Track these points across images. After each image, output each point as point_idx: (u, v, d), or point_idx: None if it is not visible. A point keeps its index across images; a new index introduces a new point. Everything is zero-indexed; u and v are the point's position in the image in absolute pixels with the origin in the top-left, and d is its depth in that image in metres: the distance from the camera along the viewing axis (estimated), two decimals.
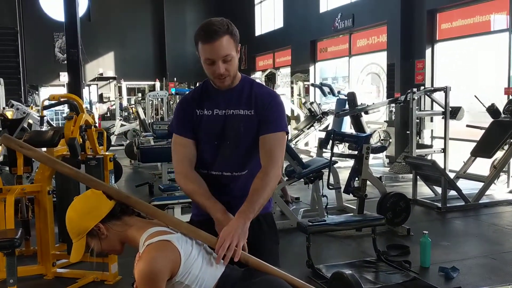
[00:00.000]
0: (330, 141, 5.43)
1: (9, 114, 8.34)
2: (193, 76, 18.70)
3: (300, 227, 3.99)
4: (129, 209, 1.81)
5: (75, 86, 7.49)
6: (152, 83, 18.71)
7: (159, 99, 13.68)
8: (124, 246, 1.80)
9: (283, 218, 5.38)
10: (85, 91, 19.41)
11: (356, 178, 5.19)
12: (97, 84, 19.67)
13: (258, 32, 17.96)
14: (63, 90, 18.78)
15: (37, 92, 18.96)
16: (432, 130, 9.41)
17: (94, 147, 3.83)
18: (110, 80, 19.61)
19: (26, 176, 4.84)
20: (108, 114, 18.76)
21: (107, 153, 3.93)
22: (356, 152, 5.24)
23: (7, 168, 5.21)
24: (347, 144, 6.30)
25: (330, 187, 5.14)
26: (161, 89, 16.83)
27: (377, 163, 9.87)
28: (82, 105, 4.42)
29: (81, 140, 3.73)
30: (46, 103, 4.23)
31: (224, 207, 1.91)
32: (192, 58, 20.05)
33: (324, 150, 6.03)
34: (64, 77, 18.91)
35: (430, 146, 8.70)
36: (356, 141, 5.23)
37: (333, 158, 5.29)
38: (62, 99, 3.93)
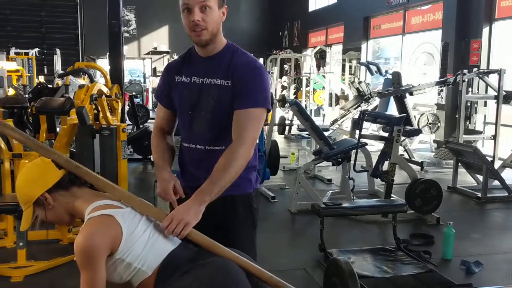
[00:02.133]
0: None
1: (60, 83, 8.64)
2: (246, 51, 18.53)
3: (314, 209, 3.82)
4: (79, 180, 1.74)
5: (115, 57, 7.57)
6: None
7: None
8: (75, 218, 1.74)
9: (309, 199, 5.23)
10: (139, 64, 19.86)
11: (386, 162, 4.93)
12: (151, 58, 20.01)
13: (311, 7, 17.51)
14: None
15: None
16: (485, 115, 8.83)
17: (105, 117, 3.83)
18: (164, 54, 19.87)
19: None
20: None
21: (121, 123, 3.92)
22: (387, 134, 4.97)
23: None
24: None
25: (357, 170, 4.91)
26: None
27: (424, 148, 9.44)
28: (106, 75, 4.43)
29: (94, 109, 3.73)
30: (60, 72, 4.27)
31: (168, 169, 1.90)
32: (245, 34, 19.97)
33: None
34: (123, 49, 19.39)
35: (479, 132, 8.17)
36: (388, 123, 4.95)
37: (363, 140, 5.05)
38: (75, 69, 3.95)
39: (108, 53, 8.09)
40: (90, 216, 1.59)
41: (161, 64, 19.94)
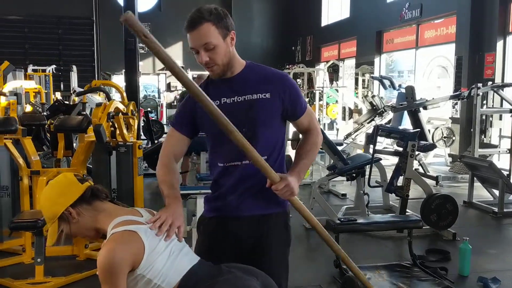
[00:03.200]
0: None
1: (77, 99, 8.78)
2: None
3: (329, 225, 3.82)
4: (101, 194, 1.77)
5: (131, 74, 7.70)
6: None
7: None
8: (100, 232, 1.76)
9: (324, 214, 5.22)
10: (154, 79, 20.09)
11: (400, 177, 4.91)
12: (165, 73, 20.23)
13: (324, 22, 17.61)
14: None
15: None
16: (500, 129, 8.76)
17: (122, 134, 3.89)
18: None
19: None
20: (175, 103, 19.25)
21: (136, 140, 3.97)
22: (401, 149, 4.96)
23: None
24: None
25: (371, 185, 4.90)
26: None
27: (439, 162, 9.37)
28: (122, 92, 4.51)
29: (111, 127, 3.80)
30: (78, 90, 4.36)
31: (178, 197, 1.86)
32: (257, 49, 20.12)
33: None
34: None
35: (495, 146, 8.09)
36: (402, 138, 4.95)
37: (377, 155, 5.04)
38: (93, 87, 4.03)
39: (123, 70, 8.24)
40: (113, 231, 1.62)
41: (175, 79, 20.16)
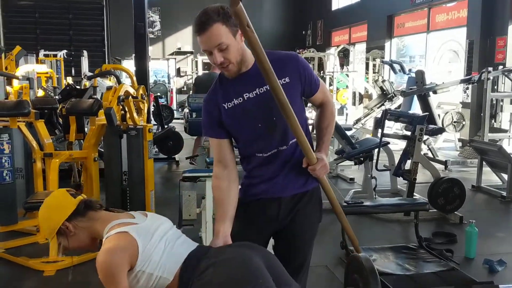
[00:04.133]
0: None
1: (88, 84, 8.85)
2: (269, 49, 18.63)
3: None
4: (94, 205, 1.86)
5: (141, 59, 7.72)
6: None
7: None
8: (97, 241, 1.85)
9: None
10: (163, 64, 20.12)
11: (408, 160, 4.93)
12: (175, 58, 20.25)
13: (335, 6, 17.46)
14: None
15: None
16: (511, 114, 8.69)
17: (132, 118, 3.95)
18: (188, 55, 20.10)
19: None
20: (185, 88, 19.32)
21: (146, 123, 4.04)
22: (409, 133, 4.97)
23: None
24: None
25: (379, 169, 4.93)
26: None
27: (448, 146, 9.35)
28: (132, 77, 4.56)
29: (121, 110, 3.86)
30: (88, 74, 4.42)
31: (226, 231, 1.93)
32: (268, 34, 20.00)
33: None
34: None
35: (505, 131, 8.06)
36: (410, 121, 4.96)
37: (385, 139, 5.07)
38: (104, 71, 4.09)
39: (133, 55, 8.27)
40: (107, 235, 1.71)
41: (185, 64, 20.18)
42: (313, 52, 14.86)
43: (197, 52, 19.40)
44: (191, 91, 8.13)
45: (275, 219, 2.04)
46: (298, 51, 16.16)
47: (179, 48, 20.05)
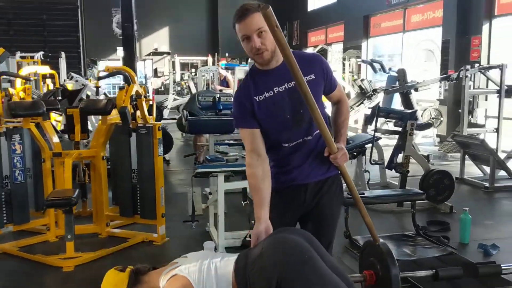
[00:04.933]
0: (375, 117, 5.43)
1: (69, 86, 8.83)
2: (245, 52, 18.79)
3: None
4: (142, 270, 2.07)
5: (129, 59, 7.80)
6: (205, 58, 19.02)
7: (211, 74, 13.94)
8: None
9: None
10: (140, 65, 20.05)
11: (400, 154, 5.19)
12: (152, 59, 20.22)
13: (311, 7, 17.77)
14: (119, 64, 19.57)
15: (96, 66, 19.73)
16: (486, 109, 9.12)
17: (144, 116, 4.07)
18: (165, 55, 20.09)
19: (83, 144, 5.17)
20: (162, 89, 19.30)
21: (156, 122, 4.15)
22: (400, 129, 5.23)
23: (66, 136, 5.61)
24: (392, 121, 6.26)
25: (373, 162, 5.17)
26: (213, 64, 17.07)
27: (427, 142, 9.71)
28: (134, 77, 4.67)
29: (132, 109, 3.97)
30: (102, 74, 4.51)
31: (266, 215, 2.09)
32: None
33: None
34: (120, 51, 19.57)
35: (482, 126, 8.45)
36: (401, 117, 5.22)
37: (377, 134, 5.31)
38: (115, 71, 4.18)
39: (122, 56, 8.35)
40: (163, 284, 1.94)
41: (162, 64, 20.17)
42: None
43: (174, 53, 19.45)
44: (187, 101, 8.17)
45: (302, 204, 2.24)
46: None
47: (156, 49, 20.02)
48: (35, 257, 3.73)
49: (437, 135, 9.84)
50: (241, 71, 9.68)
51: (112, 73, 4.35)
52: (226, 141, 7.16)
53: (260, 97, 2.11)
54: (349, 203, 4.01)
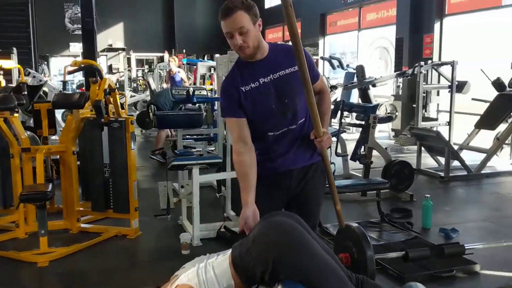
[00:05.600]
0: (339, 111, 5.62)
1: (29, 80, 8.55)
2: (202, 48, 18.81)
3: None
4: None
5: (90, 55, 7.68)
6: (161, 54, 18.82)
7: (167, 71, 13.84)
8: None
9: None
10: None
11: (363, 146, 5.41)
12: (106, 55, 19.81)
13: (268, 4, 17.96)
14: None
15: (45, 62, 19.12)
16: (438, 104, 9.58)
17: (117, 110, 4.06)
18: (119, 51, 19.74)
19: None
20: (117, 85, 18.94)
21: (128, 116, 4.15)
22: (363, 122, 5.45)
23: (28, 132, 5.49)
24: (354, 115, 6.50)
25: (338, 154, 5.36)
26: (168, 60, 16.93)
27: (382, 136, 10.07)
28: (102, 71, 4.64)
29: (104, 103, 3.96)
30: (69, 69, 4.46)
31: (252, 200, 2.20)
32: (201, 30, 20.13)
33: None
34: (74, 47, 19.08)
35: (435, 119, 8.88)
36: (364, 111, 5.44)
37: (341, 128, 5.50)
38: (83, 65, 4.16)
39: (79, 52, 8.18)
40: None
41: (117, 61, 19.80)
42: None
43: (130, 49, 19.14)
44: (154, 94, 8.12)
45: (288, 189, 2.35)
46: (231, 49, 16.45)
47: (111, 45, 19.63)
48: (8, 254, 3.67)
49: (392, 129, 10.24)
50: (204, 66, 9.67)
51: (83, 67, 4.31)
52: (188, 136, 7.21)
53: (247, 88, 2.20)
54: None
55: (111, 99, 4.02)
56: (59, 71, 20.72)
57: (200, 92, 6.72)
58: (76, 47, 19.15)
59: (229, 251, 2.04)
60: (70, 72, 4.57)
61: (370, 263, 2.84)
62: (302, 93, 2.19)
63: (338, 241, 3.19)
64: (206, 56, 17.43)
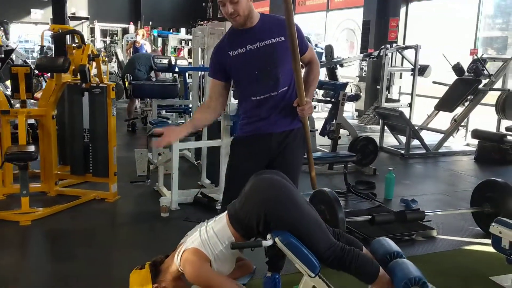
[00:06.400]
0: None
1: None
2: (169, 21, 18.60)
3: None
4: (158, 260, 2.25)
5: (60, 21, 7.53)
6: (126, 26, 18.48)
7: (131, 41, 13.66)
8: (180, 277, 2.22)
9: None
10: None
11: (332, 123, 5.69)
12: (69, 24, 19.25)
13: None
14: (34, 27, 18.54)
15: (2, 28, 18.41)
16: (400, 86, 10.00)
17: (100, 76, 4.14)
18: (83, 21, 19.23)
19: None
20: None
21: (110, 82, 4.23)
22: (332, 99, 5.71)
23: None
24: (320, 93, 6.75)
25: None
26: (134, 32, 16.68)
27: (346, 116, 10.31)
28: (83, 37, 4.66)
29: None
30: (47, 33, 4.46)
31: (189, 128, 2.51)
32: (168, 3, 19.87)
33: None
34: (35, 14, 18.47)
35: (398, 101, 9.28)
36: (334, 89, 5.69)
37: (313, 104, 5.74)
38: (65, 31, 4.19)
39: (51, 18, 7.99)
40: (179, 262, 2.14)
41: (80, 29, 19.29)
42: (215, 22, 15.17)
43: (94, 19, 18.70)
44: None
45: (268, 151, 2.53)
46: (201, 23, 16.39)
47: (73, 13, 19.08)
48: None
49: (356, 110, 10.60)
50: (175, 39, 9.67)
51: (67, 31, 4.33)
52: (158, 108, 7.28)
53: (234, 52, 2.41)
54: None
55: (98, 64, 4.08)
56: (19, 37, 20.09)
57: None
58: (38, 14, 18.58)
59: (225, 213, 2.23)
60: (53, 37, 4.57)
61: (342, 224, 3.14)
62: (286, 62, 2.36)
63: (312, 205, 3.46)
64: (171, 30, 17.26)
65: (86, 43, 4.02)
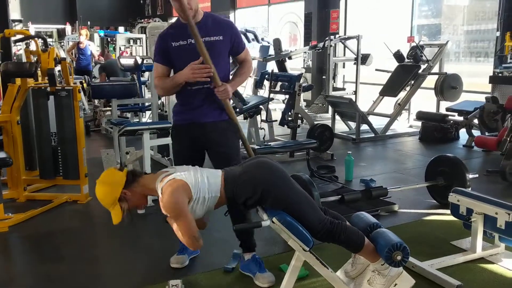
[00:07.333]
0: (267, 81, 6.10)
1: None
2: (106, 20, 18.24)
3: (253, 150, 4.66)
4: (138, 172, 2.40)
5: (3, 25, 7.35)
6: (62, 26, 17.95)
7: (75, 43, 13.35)
8: (147, 197, 2.40)
9: None
10: None
11: (290, 112, 5.95)
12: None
13: None
14: None
15: None
16: (344, 75, 10.46)
17: (67, 78, 4.15)
18: (16, 23, 18.44)
19: None
20: (16, 59, 17.78)
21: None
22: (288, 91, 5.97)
23: None
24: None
25: (268, 120, 5.85)
26: (73, 33, 16.27)
27: None
28: (36, 41, 4.63)
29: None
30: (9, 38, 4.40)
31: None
32: (106, 4, 19.46)
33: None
34: None
35: (343, 89, 9.72)
36: (289, 80, 5.95)
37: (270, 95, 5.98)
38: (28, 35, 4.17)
39: None
40: (162, 185, 2.24)
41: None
42: (159, 21, 15.09)
43: (28, 21, 17.99)
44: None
45: (200, 138, 2.79)
46: (141, 20, 16.22)
47: None
48: None
49: (304, 100, 10.95)
50: (122, 38, 9.60)
51: (28, 36, 4.29)
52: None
53: (176, 44, 2.71)
54: (260, 153, 4.64)
55: (64, 67, 4.09)
56: None
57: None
58: None
59: (220, 171, 2.40)
60: (16, 41, 4.50)
61: (317, 201, 3.38)
62: (221, 60, 2.71)
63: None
64: (109, 29, 16.95)
65: (50, 47, 4.01)
